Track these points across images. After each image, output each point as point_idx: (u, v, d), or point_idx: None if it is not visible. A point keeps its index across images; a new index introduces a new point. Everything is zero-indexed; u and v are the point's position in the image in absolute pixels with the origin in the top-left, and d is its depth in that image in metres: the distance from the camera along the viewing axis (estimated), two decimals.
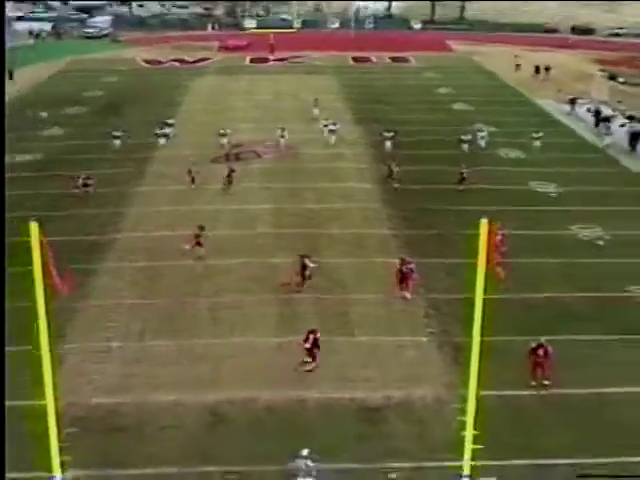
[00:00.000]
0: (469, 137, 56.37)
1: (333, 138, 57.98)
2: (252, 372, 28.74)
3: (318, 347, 28.93)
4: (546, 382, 28.10)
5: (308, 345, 28.88)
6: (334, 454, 23.95)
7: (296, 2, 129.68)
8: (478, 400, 17.16)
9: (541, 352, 28.02)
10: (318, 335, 28.93)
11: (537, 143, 57.10)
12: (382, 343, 30.77)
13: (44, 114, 67.18)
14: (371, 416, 26.44)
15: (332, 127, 58.41)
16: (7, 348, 27.53)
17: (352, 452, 24.47)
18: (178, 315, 33.14)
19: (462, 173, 47.95)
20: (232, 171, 48.03)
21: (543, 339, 28.20)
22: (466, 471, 18.24)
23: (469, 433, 17.33)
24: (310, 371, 28.84)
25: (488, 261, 16.31)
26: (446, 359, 29.70)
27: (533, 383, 28.11)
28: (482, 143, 57.07)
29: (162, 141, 57.56)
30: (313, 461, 22.12)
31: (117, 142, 56.13)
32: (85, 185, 45.68)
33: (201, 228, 37.83)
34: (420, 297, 34.48)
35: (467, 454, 17.35)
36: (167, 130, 58.59)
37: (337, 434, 25.10)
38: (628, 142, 59.08)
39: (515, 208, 43.83)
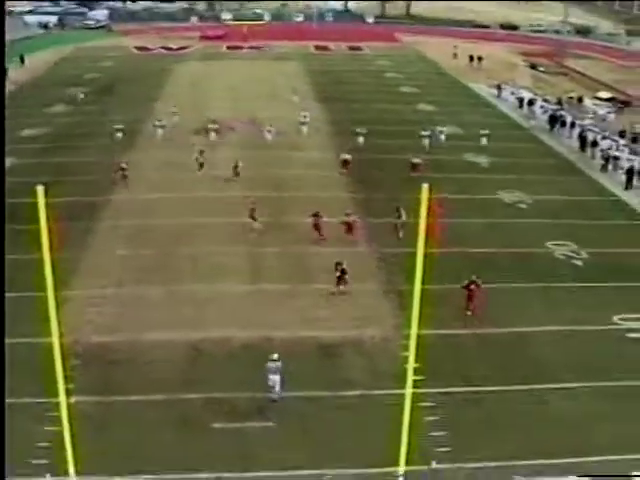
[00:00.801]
0: (429, 132, 52.09)
1: (305, 129, 54.10)
2: (228, 314, 28.81)
3: (346, 274, 30.31)
4: (469, 312, 28.99)
5: (337, 274, 30.24)
6: (299, 383, 24.20)
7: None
8: (419, 338, 17.25)
9: (473, 287, 28.72)
10: (344, 265, 30.29)
11: (484, 140, 52.34)
12: (338, 290, 30.86)
13: (81, 95, 65.32)
14: (329, 352, 26.64)
15: (303, 119, 54.56)
16: (21, 294, 27.59)
17: (313, 381, 24.72)
18: (165, 265, 33.04)
19: (416, 163, 44.65)
20: (237, 166, 43.93)
21: (474, 276, 28.99)
22: (401, 470, 18.31)
23: (411, 366, 17.44)
24: (345, 294, 30.29)
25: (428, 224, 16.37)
26: (393, 304, 29.86)
27: (468, 313, 28.90)
28: (442, 137, 52.71)
29: (160, 132, 52.31)
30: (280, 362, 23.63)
31: (119, 135, 50.90)
32: (122, 169, 43.17)
33: (253, 203, 36.75)
34: (371, 251, 34.57)
35: (409, 384, 17.48)
36: (165, 121, 53.51)
37: (301, 367, 25.21)
38: (548, 123, 59.23)
39: (452, 176, 43.83)
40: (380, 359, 26.14)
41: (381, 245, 35.11)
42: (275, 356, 23.85)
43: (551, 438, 22.33)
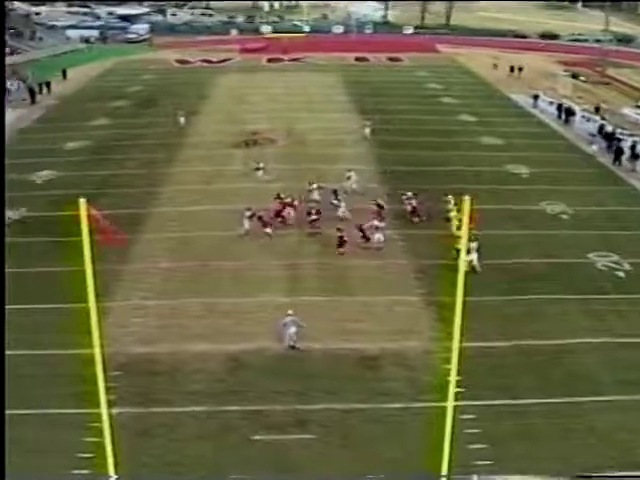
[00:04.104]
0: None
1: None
2: (267, 326, 28.81)
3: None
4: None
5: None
6: (337, 395, 24.18)
7: (306, 10, 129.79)
8: (460, 351, 17.13)
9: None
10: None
11: None
12: (378, 302, 30.77)
13: (182, 119, 59.40)
14: (369, 364, 26.51)
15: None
16: (62, 306, 27.87)
17: (353, 393, 24.63)
18: (205, 277, 33.21)
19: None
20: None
21: None
22: (444, 470, 18.17)
23: (453, 378, 17.32)
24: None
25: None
26: (433, 316, 29.70)
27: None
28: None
29: (260, 173, 45.41)
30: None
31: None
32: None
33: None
34: (410, 262, 34.41)
35: (451, 396, 17.36)
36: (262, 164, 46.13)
37: (340, 378, 25.24)
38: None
39: (492, 187, 43.45)
40: (421, 371, 25.93)
41: (418, 256, 34.90)
42: (290, 311, 27.15)
43: (595, 452, 22.03)
